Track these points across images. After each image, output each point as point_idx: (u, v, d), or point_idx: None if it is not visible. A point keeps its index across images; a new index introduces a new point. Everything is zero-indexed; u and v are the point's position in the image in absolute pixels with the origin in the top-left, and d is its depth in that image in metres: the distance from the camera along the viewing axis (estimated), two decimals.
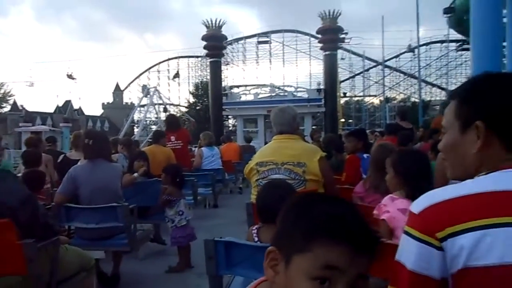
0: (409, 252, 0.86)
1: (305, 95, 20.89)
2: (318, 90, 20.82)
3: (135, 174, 4.47)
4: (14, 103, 42.60)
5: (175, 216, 3.85)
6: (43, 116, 43.30)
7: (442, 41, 34.28)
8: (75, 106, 49.35)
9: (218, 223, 6.00)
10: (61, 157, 5.31)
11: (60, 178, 4.34)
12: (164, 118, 22.37)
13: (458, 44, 32.45)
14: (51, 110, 47.18)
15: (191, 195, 5.37)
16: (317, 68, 31.09)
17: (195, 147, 10.45)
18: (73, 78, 44.26)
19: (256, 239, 1.70)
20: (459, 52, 33.40)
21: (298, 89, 22.96)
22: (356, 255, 0.66)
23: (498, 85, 0.93)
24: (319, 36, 23.92)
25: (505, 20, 5.65)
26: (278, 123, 2.81)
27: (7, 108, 43.21)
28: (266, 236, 1.67)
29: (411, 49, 33.12)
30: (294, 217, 0.72)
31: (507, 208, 0.79)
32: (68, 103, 47.72)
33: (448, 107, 1.00)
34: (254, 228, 1.77)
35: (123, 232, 3.27)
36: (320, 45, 24.17)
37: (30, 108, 42.80)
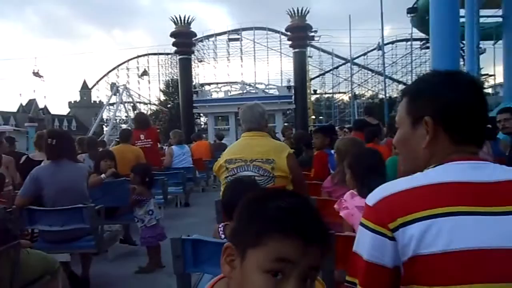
0: (364, 243, 0.90)
1: (276, 92, 21.00)
2: (288, 87, 20.99)
3: (103, 175, 4.37)
4: None
5: (144, 216, 3.80)
6: (5, 116, 41.45)
7: (407, 40, 35.36)
8: (40, 105, 47.49)
9: (190, 222, 5.96)
10: (23, 158, 5.12)
11: (23, 180, 4.17)
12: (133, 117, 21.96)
13: (422, 42, 33.62)
14: (14, 109, 45.25)
15: (161, 194, 5.31)
16: (288, 66, 31.37)
17: (166, 145, 10.32)
18: (40, 76, 42.59)
19: (222, 236, 1.71)
20: (423, 50, 34.58)
21: (269, 86, 23.06)
22: (307, 248, 0.68)
23: (444, 82, 0.98)
24: (288, 33, 24.08)
25: (463, 20, 5.92)
26: (246, 120, 2.82)
27: None
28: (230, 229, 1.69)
29: (380, 47, 34.01)
30: (248, 213, 0.73)
31: (452, 198, 0.84)
32: (32, 101, 45.84)
33: (401, 104, 1.05)
34: (220, 225, 1.78)
35: (90, 233, 3.20)
36: (289, 42, 24.38)
37: None
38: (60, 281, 2.49)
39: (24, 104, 45.90)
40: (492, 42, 13.40)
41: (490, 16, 10.45)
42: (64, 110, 55.66)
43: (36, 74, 42.25)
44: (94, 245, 3.19)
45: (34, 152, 5.39)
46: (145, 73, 40.67)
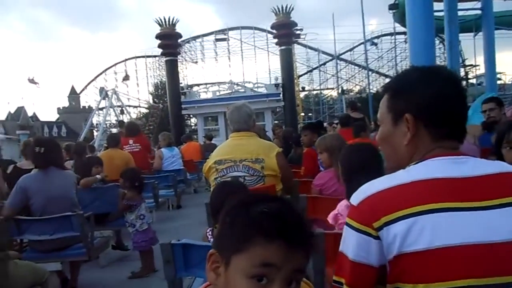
0: (350, 242, 0.90)
1: (264, 91, 20.97)
2: (276, 85, 20.96)
3: (98, 176, 4.43)
4: None
5: (136, 220, 3.78)
6: None
7: (391, 34, 35.63)
8: (29, 112, 46.87)
9: (182, 224, 5.94)
10: (10, 167, 5.03)
11: (10, 189, 4.11)
12: (122, 120, 21.77)
13: (406, 36, 33.90)
14: (2, 117, 44.54)
15: (152, 198, 5.28)
16: (276, 64, 31.42)
17: (156, 148, 10.26)
18: (35, 83, 41.97)
19: (211, 239, 1.70)
20: (407, 44, 34.83)
21: (257, 85, 23.01)
22: (291, 251, 0.68)
23: (422, 78, 0.98)
24: (274, 31, 24.07)
25: (441, 14, 6.00)
26: (234, 121, 2.82)
27: None
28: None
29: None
30: (231, 218, 0.73)
31: (434, 195, 0.85)
32: (21, 109, 45.21)
33: (382, 101, 1.05)
34: (208, 229, 1.77)
35: (81, 241, 3.16)
36: (275, 40, 24.38)
37: None
38: None
39: (12, 112, 45.26)
40: (472, 34, 13.59)
41: (469, 9, 10.60)
42: (53, 116, 55.02)
43: (32, 81, 41.69)
44: (84, 252, 3.16)
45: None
46: (126, 77, 40.28)
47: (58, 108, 54.42)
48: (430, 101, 0.94)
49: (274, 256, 0.67)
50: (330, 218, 1.93)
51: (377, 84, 37.86)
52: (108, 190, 4.26)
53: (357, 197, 0.92)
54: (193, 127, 30.75)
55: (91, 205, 4.02)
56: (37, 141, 3.39)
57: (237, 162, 2.68)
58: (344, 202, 1.89)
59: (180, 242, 1.71)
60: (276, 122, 19.08)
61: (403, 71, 1.09)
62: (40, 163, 3.24)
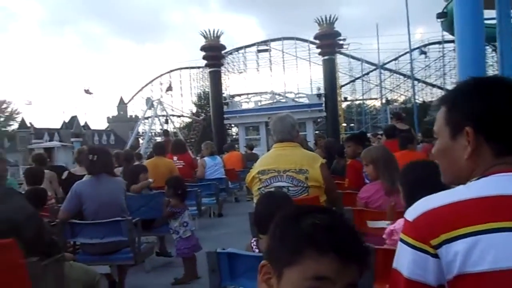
0: (404, 259, 0.86)
1: (306, 101, 20.88)
2: (319, 95, 20.80)
3: (150, 180, 4.74)
4: (22, 120, 43.17)
5: (179, 227, 3.86)
6: (50, 132, 43.63)
7: (439, 42, 34.29)
8: (81, 121, 49.77)
9: (224, 232, 5.99)
10: (65, 173, 5.35)
11: (65, 194, 4.36)
12: (166, 129, 22.52)
13: (455, 45, 32.40)
14: (56, 126, 47.54)
15: (195, 205, 5.38)
16: (318, 74, 31.22)
17: (199, 157, 10.49)
18: (90, 93, 44.93)
19: (256, 250, 1.70)
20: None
21: (299, 95, 22.94)
22: (345, 265, 0.67)
23: (483, 89, 0.94)
24: (317, 41, 23.98)
25: (493, 22, 5.69)
26: (277, 131, 2.83)
27: (15, 126, 43.82)
28: (266, 245, 1.68)
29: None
30: (282, 230, 0.73)
31: (498, 213, 0.80)
32: (74, 118, 48.11)
33: (439, 113, 1.01)
34: (252, 240, 1.77)
35: (128, 246, 3.28)
36: (319, 50, 24.26)
37: (36, 125, 43.29)
38: None
39: (66, 121, 48.28)
40: None
41: None
42: (102, 125, 57.90)
43: (87, 91, 44.73)
44: (132, 257, 3.27)
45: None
46: (169, 88, 41.73)
47: (108, 117, 57.24)
48: (492, 114, 0.90)
49: (327, 270, 0.66)
50: (385, 234, 1.86)
51: (423, 94, 36.52)
52: (155, 197, 4.40)
53: (413, 213, 0.88)
54: (234, 137, 31.18)
55: (138, 211, 4.16)
56: (90, 149, 3.60)
57: (281, 172, 2.68)
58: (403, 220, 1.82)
59: (225, 251, 1.73)
60: (317, 132, 18.88)
61: (461, 82, 1.04)
62: (93, 170, 3.41)
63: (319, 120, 23.98)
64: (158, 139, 28.04)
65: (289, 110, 13.45)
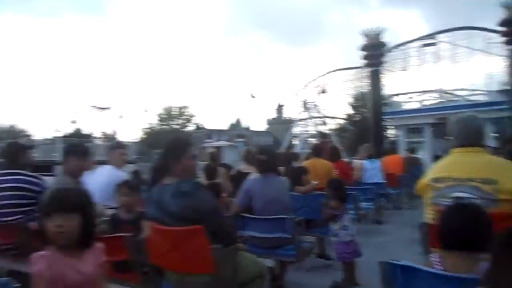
0: None
1: (483, 99, 18.05)
2: (501, 92, 17.72)
3: (315, 182, 4.90)
4: (197, 122, 50.71)
5: (339, 230, 3.81)
6: (219, 133, 49.78)
7: None
8: (244, 123, 55.26)
9: (383, 240, 5.69)
10: (234, 170, 5.92)
11: (234, 188, 4.83)
12: (322, 131, 22.76)
13: None
14: (223, 127, 53.77)
15: (353, 209, 5.25)
16: (497, 67, 26.65)
17: (353, 159, 10.23)
18: (253, 97, 51.07)
19: (439, 267, 1.52)
20: None
21: (475, 92, 19.98)
22: None
23: None
24: (500, 29, 20.35)
25: None
26: (458, 135, 2.52)
27: (191, 127, 51.51)
28: (453, 264, 1.48)
29: None
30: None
31: None
32: (238, 120, 54.05)
33: None
34: (435, 255, 1.58)
35: (290, 243, 3.41)
36: (503, 39, 20.54)
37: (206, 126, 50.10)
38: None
39: (234, 122, 54.52)
40: None
41: None
42: (260, 126, 62.71)
43: (253, 96, 50.68)
44: (295, 254, 3.39)
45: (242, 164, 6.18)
46: (323, 91, 42.07)
47: (268, 120, 61.63)
48: None
49: None
50: None
51: None
52: (316, 198, 4.47)
53: None
54: (390, 139, 29.44)
55: (299, 210, 4.28)
56: (261, 150, 3.90)
57: (461, 182, 2.36)
58: None
59: (399, 263, 1.60)
60: (496, 134, 16.15)
61: None
62: (263, 169, 3.69)
63: (499, 120, 20.47)
64: (313, 140, 28.58)
65: (462, 110, 11.89)
